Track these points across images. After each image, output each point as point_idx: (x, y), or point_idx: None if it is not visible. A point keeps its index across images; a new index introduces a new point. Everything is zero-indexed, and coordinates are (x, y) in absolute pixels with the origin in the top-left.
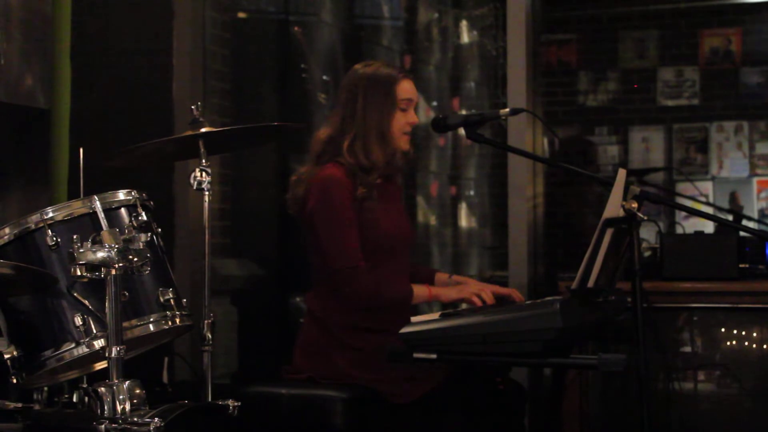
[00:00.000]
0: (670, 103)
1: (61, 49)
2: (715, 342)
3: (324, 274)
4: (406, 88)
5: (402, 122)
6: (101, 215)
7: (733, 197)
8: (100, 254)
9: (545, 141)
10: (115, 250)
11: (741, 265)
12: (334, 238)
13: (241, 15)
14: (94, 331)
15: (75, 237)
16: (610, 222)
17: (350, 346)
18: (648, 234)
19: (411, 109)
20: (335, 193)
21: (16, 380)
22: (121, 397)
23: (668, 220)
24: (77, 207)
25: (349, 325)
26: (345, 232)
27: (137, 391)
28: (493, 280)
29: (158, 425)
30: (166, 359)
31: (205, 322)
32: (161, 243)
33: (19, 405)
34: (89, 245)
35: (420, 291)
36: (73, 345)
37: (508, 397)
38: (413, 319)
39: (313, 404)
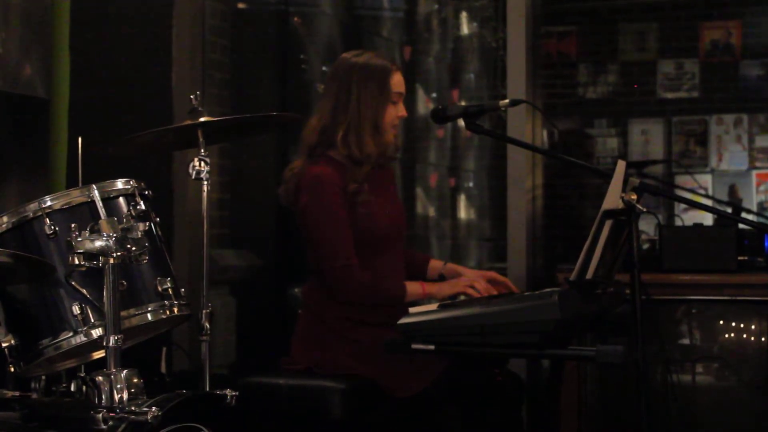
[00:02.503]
0: (669, 95)
1: (60, 39)
2: (713, 334)
3: (318, 270)
4: (398, 81)
5: (392, 115)
6: (99, 204)
7: (732, 190)
8: (98, 243)
9: (545, 133)
10: (113, 239)
11: (740, 258)
12: (325, 237)
13: (241, 5)
14: (92, 320)
15: (73, 226)
16: (609, 214)
17: (347, 337)
18: (647, 226)
19: (401, 103)
20: (326, 192)
21: (14, 369)
22: (118, 386)
23: (667, 212)
24: (75, 196)
25: (345, 317)
26: (337, 231)
27: (135, 381)
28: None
29: (156, 414)
30: (164, 349)
31: (204, 312)
32: (159, 232)
33: (17, 394)
34: (87, 234)
35: (413, 289)
36: (70, 334)
37: (505, 389)
38: (411, 310)
39: (311, 395)
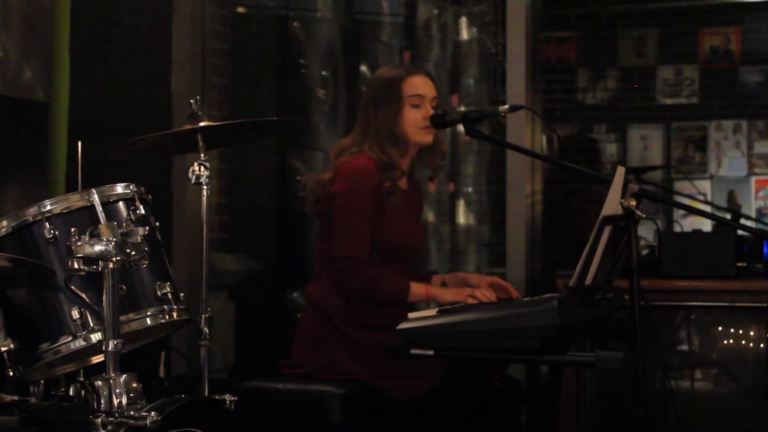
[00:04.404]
0: (669, 101)
1: (60, 43)
2: (712, 340)
3: (328, 261)
4: (413, 84)
5: (416, 118)
6: (99, 209)
7: (731, 196)
8: (98, 248)
9: (544, 138)
10: (113, 243)
11: (739, 264)
12: (347, 224)
13: (241, 10)
14: (91, 325)
15: (73, 230)
16: (609, 219)
17: (350, 337)
18: (646, 232)
19: (425, 104)
20: (362, 183)
21: (13, 373)
22: (117, 390)
23: (666, 218)
24: (75, 200)
25: (349, 316)
26: (359, 222)
27: (134, 385)
28: None
29: (155, 419)
30: (163, 353)
31: (203, 316)
32: (159, 237)
33: (16, 398)
34: (87, 238)
35: (417, 289)
36: (70, 338)
37: (504, 394)
38: (411, 315)
39: (311, 399)
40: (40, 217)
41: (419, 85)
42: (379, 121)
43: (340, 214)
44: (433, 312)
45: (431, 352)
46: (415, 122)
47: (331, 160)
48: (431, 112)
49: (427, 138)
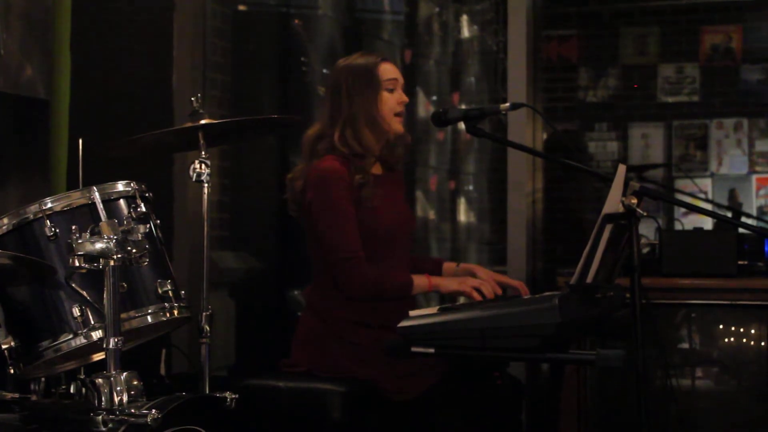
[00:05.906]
0: (670, 99)
1: (61, 40)
2: (713, 339)
3: (323, 267)
4: (387, 69)
5: (391, 103)
6: (100, 206)
7: (732, 194)
8: (99, 245)
9: (545, 136)
10: (114, 241)
11: (740, 262)
12: (332, 229)
13: (242, 7)
14: (92, 322)
15: (74, 228)
16: (610, 217)
17: (348, 340)
18: (647, 230)
19: (399, 89)
20: (333, 185)
21: (14, 371)
22: (118, 388)
23: (667, 216)
24: (76, 198)
25: (348, 319)
26: (344, 224)
27: (135, 383)
28: None
29: (155, 417)
30: (163, 351)
31: (203, 314)
32: (160, 235)
33: (16, 395)
34: (88, 236)
35: (419, 281)
36: (70, 336)
37: (505, 393)
38: (411, 313)
39: (311, 397)
40: (41, 215)
41: (391, 70)
42: (356, 105)
43: (323, 222)
44: (433, 310)
45: (432, 350)
46: (392, 107)
47: (303, 156)
48: (404, 97)
49: (400, 126)
